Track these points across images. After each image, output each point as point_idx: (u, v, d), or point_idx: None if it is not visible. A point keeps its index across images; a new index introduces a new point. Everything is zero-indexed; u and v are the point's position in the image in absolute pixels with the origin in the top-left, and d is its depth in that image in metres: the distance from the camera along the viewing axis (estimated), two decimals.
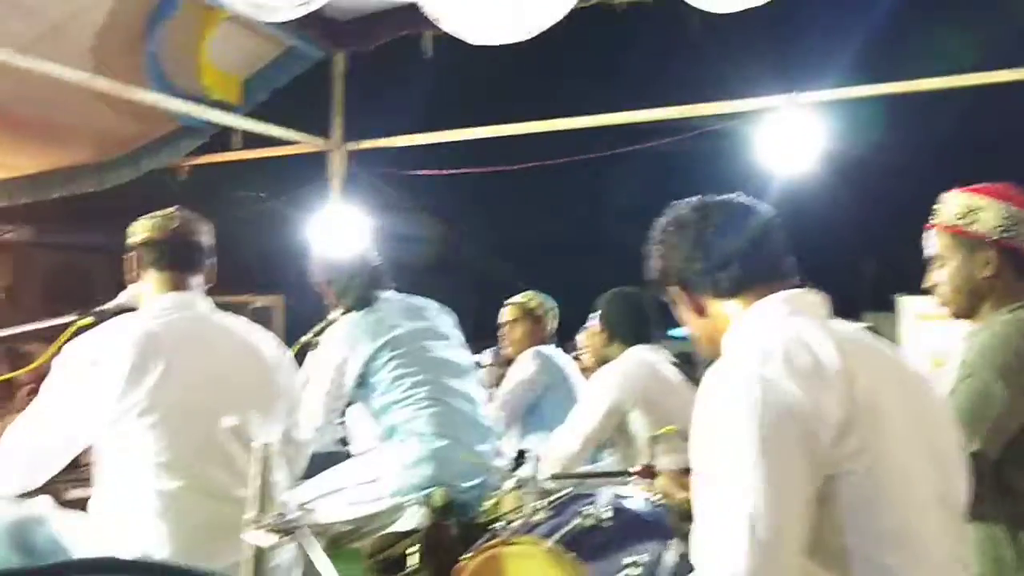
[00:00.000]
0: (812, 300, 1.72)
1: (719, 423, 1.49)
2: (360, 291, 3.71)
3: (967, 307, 2.41)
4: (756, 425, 1.44)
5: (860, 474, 1.48)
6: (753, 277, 1.73)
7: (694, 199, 1.86)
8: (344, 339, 3.59)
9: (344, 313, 3.70)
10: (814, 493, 1.47)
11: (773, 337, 1.56)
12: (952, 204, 2.41)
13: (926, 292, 2.52)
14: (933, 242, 2.44)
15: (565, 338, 5.19)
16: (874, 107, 6.66)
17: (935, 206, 2.46)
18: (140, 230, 2.65)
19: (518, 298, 4.76)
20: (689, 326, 1.87)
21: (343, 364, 3.55)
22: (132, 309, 2.66)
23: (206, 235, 2.71)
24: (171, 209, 2.70)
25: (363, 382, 3.58)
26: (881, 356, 1.64)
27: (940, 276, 2.42)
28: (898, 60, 6.52)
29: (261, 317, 9.89)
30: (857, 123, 7.10)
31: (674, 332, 3.22)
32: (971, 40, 7.46)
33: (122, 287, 2.73)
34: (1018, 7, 5.97)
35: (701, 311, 1.80)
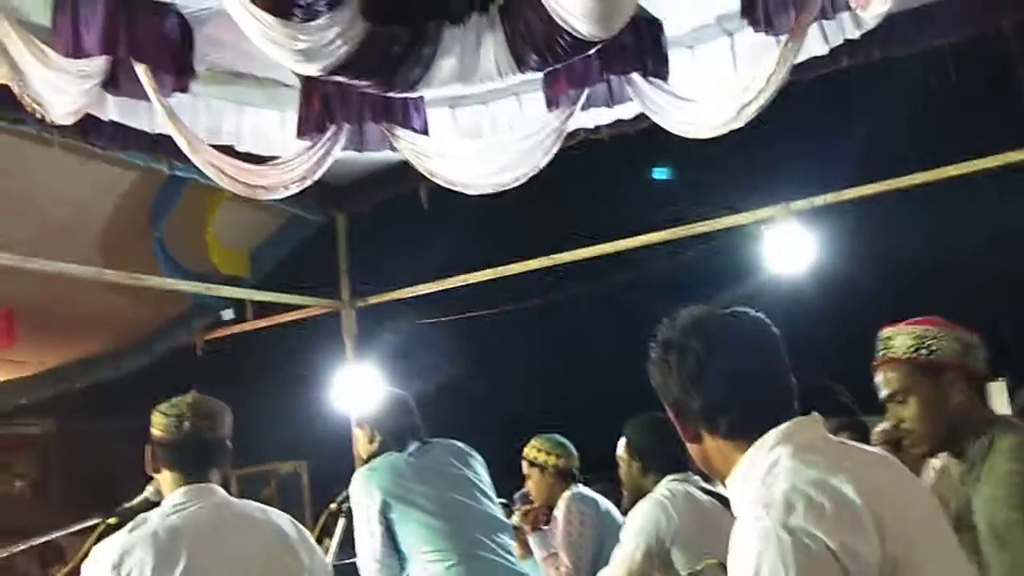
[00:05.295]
0: (812, 427, 1.63)
1: None
2: (397, 433, 3.70)
3: (943, 439, 2.28)
4: None
5: None
6: (754, 423, 1.61)
7: (692, 315, 1.70)
8: (364, 482, 3.54)
9: (370, 459, 3.68)
10: None
11: (790, 482, 1.49)
12: (903, 338, 2.28)
13: None
14: (889, 378, 2.29)
15: (596, 468, 5.06)
16: (866, 211, 6.70)
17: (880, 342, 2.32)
18: (156, 426, 2.63)
19: (526, 450, 4.66)
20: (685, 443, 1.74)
21: (371, 503, 3.48)
22: (157, 504, 2.64)
23: (222, 426, 2.67)
24: (188, 399, 2.66)
25: (386, 519, 3.50)
26: (894, 481, 1.60)
27: (906, 411, 2.28)
28: (884, 162, 6.62)
29: (287, 484, 9.82)
30: (850, 228, 7.15)
31: None
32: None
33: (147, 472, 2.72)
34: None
35: (695, 438, 1.68)
